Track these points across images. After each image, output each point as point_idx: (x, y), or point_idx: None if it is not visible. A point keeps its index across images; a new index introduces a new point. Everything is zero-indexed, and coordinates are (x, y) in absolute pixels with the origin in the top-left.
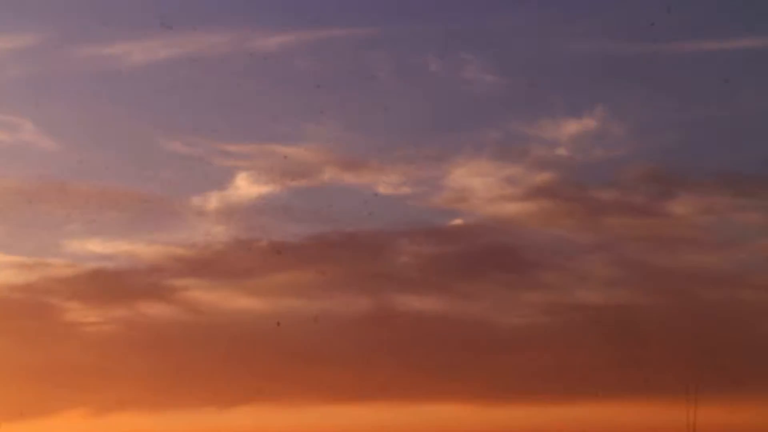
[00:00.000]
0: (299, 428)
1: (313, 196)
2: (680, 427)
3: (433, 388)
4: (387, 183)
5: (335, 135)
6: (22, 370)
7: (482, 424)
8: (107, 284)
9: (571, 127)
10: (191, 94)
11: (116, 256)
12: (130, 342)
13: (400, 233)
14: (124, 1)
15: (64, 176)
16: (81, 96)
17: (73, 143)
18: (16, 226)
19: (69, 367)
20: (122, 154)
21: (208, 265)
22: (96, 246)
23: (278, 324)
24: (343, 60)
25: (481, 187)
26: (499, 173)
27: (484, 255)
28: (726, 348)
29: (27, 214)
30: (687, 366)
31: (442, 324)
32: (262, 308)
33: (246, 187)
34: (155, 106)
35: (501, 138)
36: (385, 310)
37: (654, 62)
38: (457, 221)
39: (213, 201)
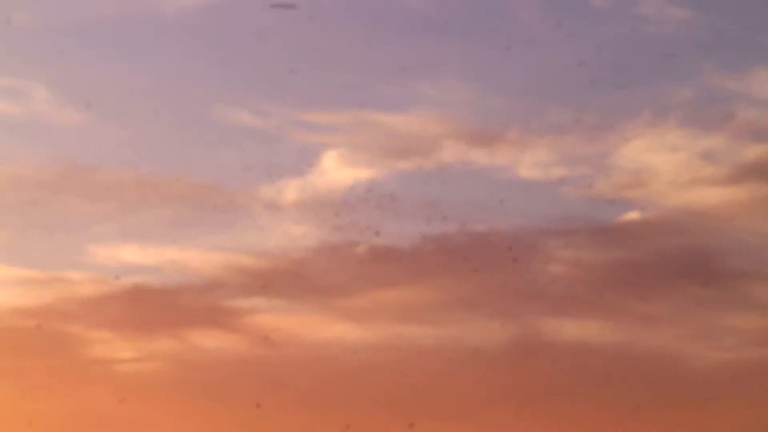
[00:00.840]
0: None
1: (429, 182)
2: None
3: None
4: (531, 163)
5: (458, 97)
6: (34, 425)
7: None
8: (148, 306)
9: None
10: (259, 46)
11: (160, 267)
12: (178, 385)
13: (549, 233)
14: None
15: (90, 161)
16: (110, 52)
17: (102, 116)
18: (27, 228)
19: (96, 419)
20: (169, 130)
21: (284, 280)
22: (132, 254)
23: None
24: None
25: (665, 166)
26: (692, 147)
27: (670, 263)
28: None
29: (41, 211)
30: None
31: (611, 359)
32: (360, 337)
33: (336, 170)
34: (211, 64)
35: (695, 96)
36: (529, 339)
37: None
38: (632, 215)
39: (291, 191)
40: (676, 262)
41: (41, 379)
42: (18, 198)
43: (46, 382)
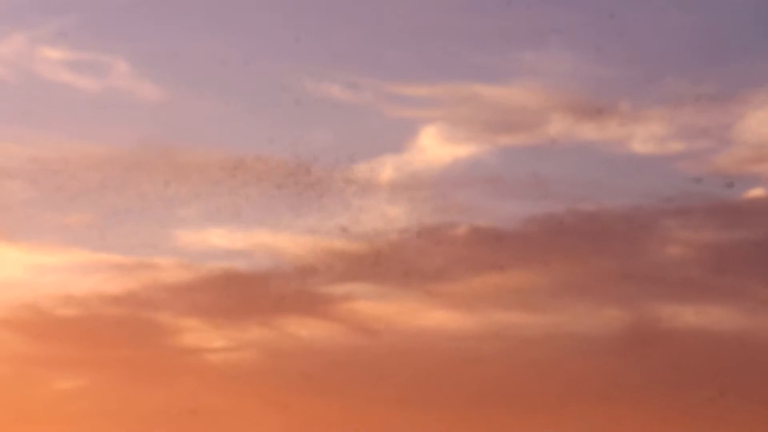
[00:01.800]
0: None
1: (535, 158)
2: None
3: None
4: (644, 137)
5: (565, 67)
6: (120, 417)
7: None
8: (238, 293)
9: None
10: (351, 14)
11: (249, 252)
12: (270, 375)
13: (665, 212)
14: None
15: (176, 140)
16: (195, 24)
17: (186, 92)
18: (109, 212)
19: (185, 410)
20: (256, 106)
21: (381, 264)
22: (220, 238)
23: None
24: None
25: None
26: None
27: None
28: None
29: (125, 194)
30: None
31: (734, 347)
32: (461, 325)
33: (434, 147)
34: (300, 36)
35: None
36: (644, 326)
37: None
38: (755, 192)
39: (386, 170)
40: None
41: (130, 369)
42: (101, 180)
43: (135, 372)
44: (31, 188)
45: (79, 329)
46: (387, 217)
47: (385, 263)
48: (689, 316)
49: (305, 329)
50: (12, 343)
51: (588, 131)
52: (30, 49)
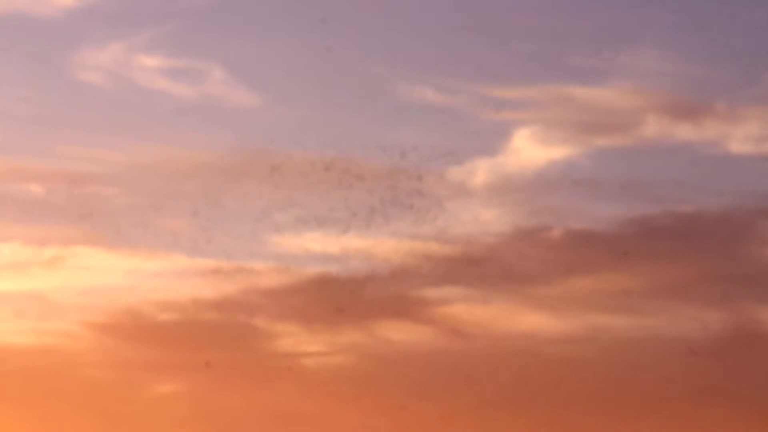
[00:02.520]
0: None
1: (630, 160)
2: None
3: None
4: (743, 137)
5: (660, 67)
6: (217, 421)
7: None
8: (334, 298)
9: None
10: (444, 18)
11: (344, 256)
12: (366, 379)
13: (765, 213)
14: None
15: (270, 145)
16: (288, 30)
17: (280, 97)
18: (206, 217)
19: (282, 414)
20: (350, 110)
21: (475, 268)
22: (316, 242)
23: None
24: None
25: None
26: None
27: None
28: None
29: (220, 199)
30: None
31: None
32: (557, 328)
33: (529, 149)
34: (393, 39)
35: None
36: (744, 329)
37: None
38: None
39: (480, 173)
40: None
41: (227, 373)
42: (198, 186)
43: (232, 376)
44: (130, 195)
45: (177, 334)
46: (481, 221)
47: (479, 266)
48: None
49: (400, 333)
50: (113, 347)
51: (684, 132)
52: (127, 57)
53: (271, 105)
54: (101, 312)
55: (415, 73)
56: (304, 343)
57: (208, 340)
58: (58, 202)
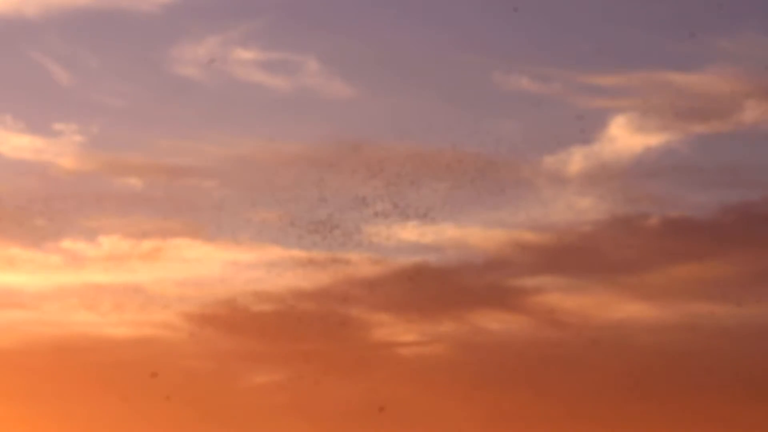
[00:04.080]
0: None
1: (729, 146)
2: None
3: None
4: None
5: (759, 52)
6: (315, 410)
7: None
8: (429, 287)
9: None
10: (539, 6)
11: (439, 246)
12: (462, 369)
13: None
14: None
15: (364, 135)
16: (380, 21)
17: (375, 87)
18: (302, 209)
19: (378, 404)
20: (444, 100)
21: (572, 256)
22: (410, 233)
23: None
24: None
25: None
26: None
27: None
28: None
29: (315, 191)
30: None
31: None
32: (656, 317)
33: (625, 137)
34: (488, 28)
35: None
36: None
37: None
38: None
39: (576, 161)
40: None
41: (323, 364)
42: (294, 178)
43: (328, 366)
44: (226, 187)
45: (274, 325)
46: (577, 209)
47: (576, 255)
48: None
49: (496, 323)
50: (211, 338)
51: None
52: (223, 51)
53: (365, 96)
54: (199, 303)
55: (510, 61)
56: (399, 332)
57: (304, 330)
58: (156, 196)
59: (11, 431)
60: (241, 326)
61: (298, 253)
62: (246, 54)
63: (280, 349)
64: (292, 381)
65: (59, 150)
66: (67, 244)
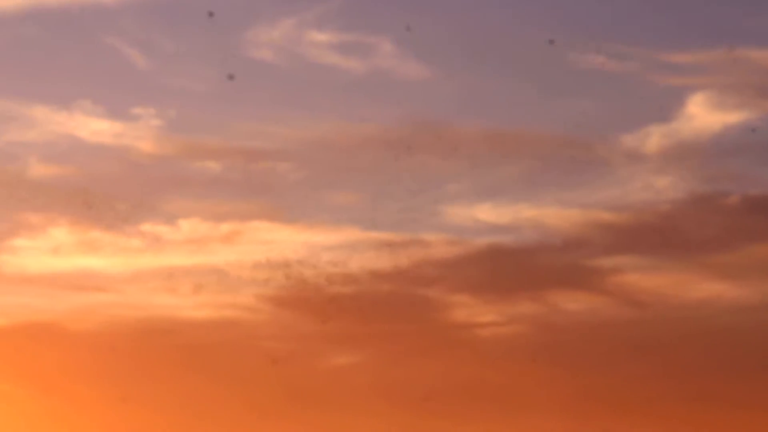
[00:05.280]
0: None
1: None
2: None
3: None
4: None
5: None
6: (394, 391)
7: None
8: (506, 268)
9: None
10: None
11: (517, 226)
12: (541, 349)
13: None
14: None
15: (440, 116)
16: (455, 0)
17: (450, 68)
18: (378, 190)
19: (457, 385)
20: (519, 79)
21: (650, 236)
22: (488, 213)
23: None
24: None
25: None
26: None
27: None
28: None
29: (391, 172)
30: None
31: None
32: (737, 296)
33: (704, 115)
34: (563, 6)
35: None
36: None
37: None
38: None
39: (654, 139)
40: None
41: (402, 345)
42: (370, 159)
43: (407, 348)
44: (303, 169)
45: (352, 306)
46: (655, 188)
47: (654, 234)
48: None
49: (574, 303)
50: (290, 321)
51: None
52: (298, 33)
53: (441, 77)
54: (277, 285)
55: (586, 40)
56: (477, 313)
57: (382, 312)
58: (234, 178)
59: (93, 413)
60: (320, 308)
61: (375, 234)
62: (320, 36)
63: (359, 331)
64: (370, 362)
65: (138, 134)
66: (147, 227)
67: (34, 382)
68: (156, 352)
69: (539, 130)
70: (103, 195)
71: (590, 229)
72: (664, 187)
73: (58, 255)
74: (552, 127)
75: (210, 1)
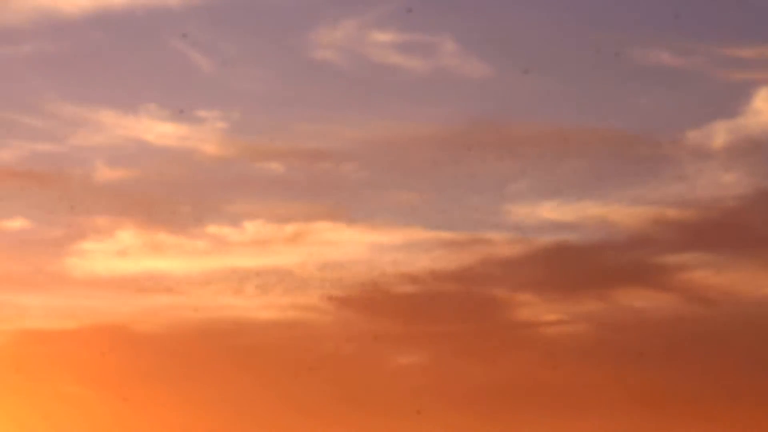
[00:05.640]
0: None
1: None
2: None
3: None
4: None
5: None
6: (458, 391)
7: None
8: (571, 266)
9: None
10: None
11: (581, 224)
12: (606, 348)
13: None
14: None
15: (502, 114)
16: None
17: (513, 67)
18: (442, 189)
19: (522, 384)
20: (581, 76)
21: (717, 232)
22: (551, 211)
23: None
24: None
25: None
26: None
27: None
28: None
29: (454, 171)
30: None
31: None
32: None
33: None
34: (626, 2)
35: None
36: None
37: None
38: None
39: (720, 135)
40: None
41: (466, 344)
42: (433, 159)
43: (471, 347)
44: (366, 169)
45: (416, 306)
46: (722, 184)
47: (720, 231)
48: None
49: (640, 300)
50: (354, 320)
51: None
52: (360, 34)
53: (503, 75)
54: (342, 286)
55: (649, 36)
56: (542, 312)
57: (446, 311)
58: (298, 180)
59: (162, 414)
60: (384, 308)
61: (439, 233)
62: (382, 36)
63: (423, 331)
64: (434, 362)
65: (203, 137)
66: (212, 229)
67: (102, 384)
68: (221, 353)
69: (604, 127)
70: (169, 197)
71: (656, 226)
72: (730, 183)
73: (124, 257)
74: (617, 124)
75: (274, 3)
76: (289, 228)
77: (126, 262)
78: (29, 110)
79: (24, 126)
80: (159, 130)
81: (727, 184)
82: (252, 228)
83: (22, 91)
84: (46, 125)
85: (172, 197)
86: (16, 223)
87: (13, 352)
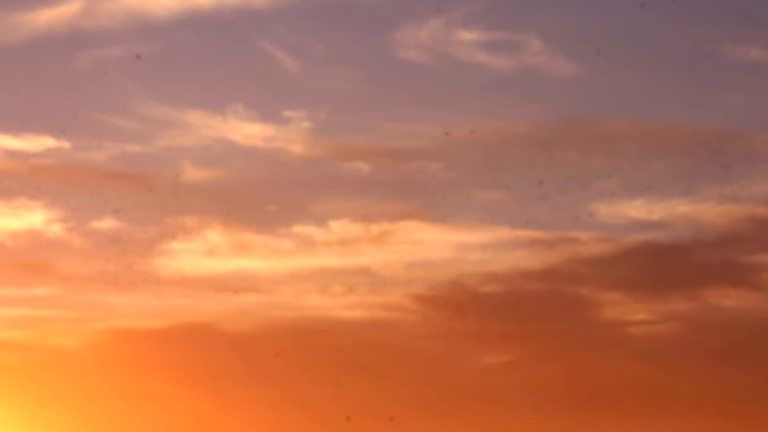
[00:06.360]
0: None
1: None
2: None
3: None
4: None
5: None
6: (545, 390)
7: None
8: (659, 265)
9: None
10: None
11: (669, 223)
12: (696, 348)
13: None
14: None
15: (590, 113)
16: None
17: (599, 64)
18: (528, 188)
19: (609, 384)
20: (671, 73)
21: None
22: (639, 210)
23: None
24: None
25: None
26: None
27: None
28: None
29: (540, 170)
30: None
31: None
32: None
33: None
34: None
35: None
36: None
37: None
38: None
39: None
40: None
41: (553, 344)
42: (519, 157)
43: (558, 346)
44: (451, 168)
45: (502, 305)
46: None
47: None
48: None
49: (730, 300)
50: (440, 320)
51: None
52: (446, 33)
53: (590, 73)
54: (428, 285)
55: (739, 31)
56: (630, 311)
57: (533, 310)
58: (383, 179)
59: (248, 413)
60: (469, 307)
61: (525, 233)
62: (468, 35)
63: (510, 330)
64: (521, 362)
65: (289, 137)
66: (298, 229)
67: (190, 383)
68: (309, 352)
69: (692, 124)
70: (255, 197)
71: (746, 224)
72: None
73: (212, 257)
74: (705, 121)
75: (360, 3)
76: (375, 228)
77: (213, 262)
78: (119, 112)
79: (114, 127)
80: (246, 130)
81: None
82: (338, 228)
83: (113, 93)
84: (135, 126)
85: (258, 197)
86: (106, 224)
87: (104, 350)
